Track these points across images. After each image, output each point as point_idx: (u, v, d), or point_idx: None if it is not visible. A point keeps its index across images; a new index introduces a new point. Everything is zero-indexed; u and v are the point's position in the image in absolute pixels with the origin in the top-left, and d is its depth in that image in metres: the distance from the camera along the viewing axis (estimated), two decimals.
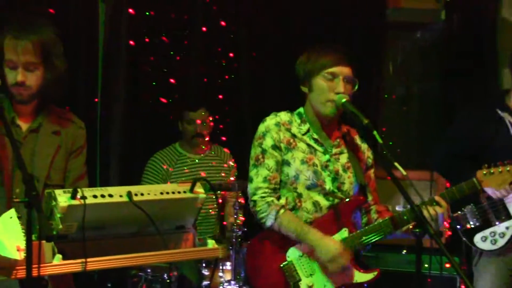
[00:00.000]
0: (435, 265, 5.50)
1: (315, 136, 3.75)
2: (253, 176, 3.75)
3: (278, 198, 3.73)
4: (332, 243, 3.55)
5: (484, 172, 3.56)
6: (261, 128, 3.77)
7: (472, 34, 6.85)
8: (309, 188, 3.70)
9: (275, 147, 3.72)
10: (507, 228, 4.48)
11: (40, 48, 3.37)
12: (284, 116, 3.79)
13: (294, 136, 3.75)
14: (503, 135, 4.48)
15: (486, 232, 4.53)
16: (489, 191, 4.39)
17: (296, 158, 3.71)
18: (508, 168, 3.56)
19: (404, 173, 3.41)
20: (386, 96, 7.10)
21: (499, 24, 6.89)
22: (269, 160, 3.72)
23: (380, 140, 3.44)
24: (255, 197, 3.73)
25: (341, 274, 3.60)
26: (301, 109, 3.83)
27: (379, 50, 6.90)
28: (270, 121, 3.76)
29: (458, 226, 4.63)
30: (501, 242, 4.49)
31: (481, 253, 4.57)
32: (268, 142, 3.72)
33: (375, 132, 3.50)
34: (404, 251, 5.74)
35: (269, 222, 3.67)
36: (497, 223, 4.50)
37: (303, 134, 3.75)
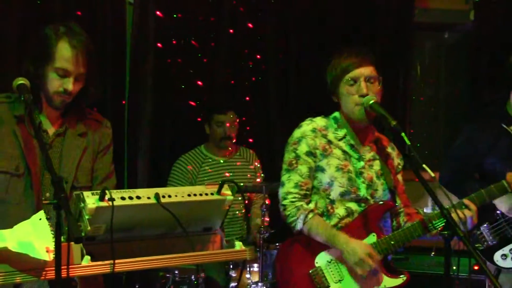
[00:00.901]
0: (464, 267, 5.48)
1: (352, 142, 3.74)
2: (285, 181, 3.74)
3: (308, 203, 3.71)
4: (359, 245, 3.53)
5: None
6: (297, 133, 3.76)
7: (501, 35, 6.82)
8: (342, 195, 3.68)
9: (310, 153, 3.71)
10: None
11: (87, 59, 3.41)
12: (320, 121, 3.78)
13: (330, 142, 3.73)
14: (504, 147, 4.44)
15: (506, 249, 4.50)
16: (502, 208, 4.39)
17: (331, 165, 3.69)
18: None
19: (433, 175, 3.39)
20: (414, 98, 7.08)
21: None
22: (302, 166, 3.70)
23: (408, 142, 3.42)
24: (285, 202, 3.72)
25: (370, 280, 3.57)
26: (336, 113, 3.81)
27: (406, 52, 6.85)
28: (306, 127, 3.75)
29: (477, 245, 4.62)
30: None
31: (500, 270, 4.55)
32: (302, 148, 3.71)
33: (403, 134, 3.48)
34: (433, 253, 5.72)
35: (298, 226, 3.66)
36: None
37: (340, 140, 3.74)
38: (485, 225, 4.50)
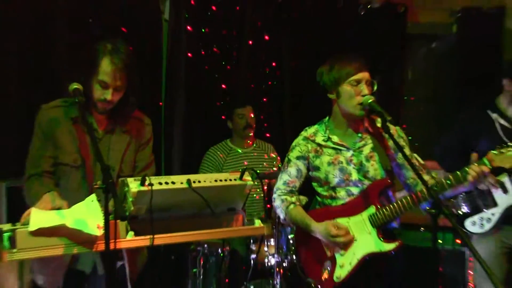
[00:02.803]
0: (448, 241, 5.50)
1: (335, 139, 3.77)
2: (278, 179, 3.91)
3: (293, 197, 3.85)
4: (324, 228, 3.61)
5: (496, 152, 3.47)
6: (293, 143, 3.91)
7: (479, 44, 6.82)
8: (339, 183, 3.73)
9: (301, 157, 3.83)
10: (493, 214, 4.47)
11: (127, 73, 3.44)
12: (310, 130, 3.89)
13: (319, 145, 3.80)
14: (491, 134, 4.45)
15: (475, 217, 4.52)
16: None
17: (323, 162, 3.76)
18: None
19: (422, 162, 3.41)
20: (406, 97, 7.07)
21: (504, 36, 6.86)
22: (291, 168, 3.85)
23: (402, 135, 3.43)
24: (274, 195, 3.90)
25: (364, 244, 3.60)
26: (326, 119, 3.87)
27: (400, 58, 6.86)
28: (300, 137, 3.90)
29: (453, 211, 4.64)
30: (488, 226, 4.49)
31: (472, 235, 4.57)
32: (294, 154, 3.86)
33: (397, 127, 3.50)
34: (422, 229, 5.72)
35: (281, 215, 3.86)
36: (484, 209, 4.49)
37: (326, 141, 3.78)
38: (460, 195, 4.53)
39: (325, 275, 3.66)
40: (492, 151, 3.50)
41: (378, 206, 3.63)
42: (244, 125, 5.76)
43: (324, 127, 3.83)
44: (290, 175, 3.84)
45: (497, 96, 4.62)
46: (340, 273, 3.61)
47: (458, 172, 3.50)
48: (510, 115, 4.53)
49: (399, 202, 3.60)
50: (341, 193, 3.73)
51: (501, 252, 4.53)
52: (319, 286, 3.73)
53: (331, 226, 3.59)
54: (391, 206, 3.60)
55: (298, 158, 3.83)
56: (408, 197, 3.58)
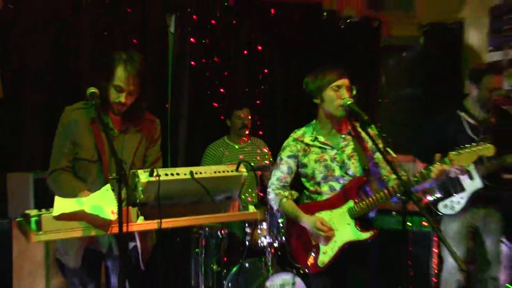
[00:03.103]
0: (416, 224, 5.51)
1: (321, 139, 3.77)
2: (271, 176, 3.90)
3: (285, 192, 3.85)
4: (310, 221, 3.66)
5: (455, 153, 3.50)
6: (284, 143, 3.90)
7: (443, 54, 6.89)
8: (323, 178, 3.74)
9: (291, 156, 3.82)
10: (461, 198, 4.53)
11: (139, 79, 3.44)
12: (299, 131, 3.89)
13: (307, 145, 3.80)
14: (460, 131, 4.48)
15: (447, 201, 4.57)
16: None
17: (311, 160, 3.77)
18: (474, 149, 3.50)
19: (394, 155, 3.43)
20: (380, 100, 7.07)
21: (463, 46, 6.93)
22: (283, 165, 3.84)
23: (376, 131, 3.45)
24: (269, 189, 3.90)
25: (344, 234, 3.63)
26: (313, 122, 3.88)
27: (375, 66, 6.87)
28: (289, 138, 3.89)
29: (428, 197, 4.67)
30: (457, 208, 4.56)
31: (443, 217, 4.63)
32: (285, 153, 3.86)
33: (373, 126, 3.51)
34: (394, 213, 5.73)
35: (275, 207, 3.86)
36: (454, 194, 4.53)
37: (313, 141, 3.79)
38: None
39: (311, 260, 3.69)
40: (452, 152, 3.52)
41: (356, 200, 3.65)
42: (241, 125, 5.75)
43: (311, 129, 3.84)
44: (282, 172, 3.84)
45: (465, 98, 4.66)
46: (324, 258, 3.64)
47: (423, 170, 3.53)
48: (475, 114, 4.57)
49: (373, 196, 3.63)
50: (325, 188, 3.74)
51: (467, 231, 4.63)
52: (306, 270, 3.77)
53: (318, 220, 3.62)
54: (367, 200, 3.62)
55: (289, 157, 3.83)
56: (382, 192, 3.60)
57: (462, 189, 4.52)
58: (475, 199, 4.52)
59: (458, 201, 4.55)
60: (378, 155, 3.72)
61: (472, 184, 4.50)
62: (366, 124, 3.57)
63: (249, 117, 5.79)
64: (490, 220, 4.64)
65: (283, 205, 3.80)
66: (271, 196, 3.87)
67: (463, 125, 4.52)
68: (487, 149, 3.52)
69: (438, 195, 4.61)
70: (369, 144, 3.74)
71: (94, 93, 3.32)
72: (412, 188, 3.52)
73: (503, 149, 4.42)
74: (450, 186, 4.56)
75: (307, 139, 3.81)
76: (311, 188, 3.81)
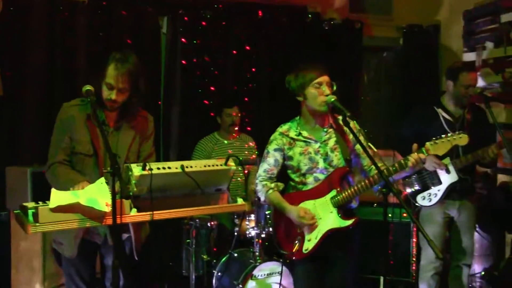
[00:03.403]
0: (396, 215, 5.53)
1: (305, 134, 3.75)
2: (259, 168, 3.88)
3: (272, 183, 3.83)
4: (295, 211, 3.64)
5: (431, 143, 3.50)
6: (271, 137, 3.87)
7: (420, 54, 6.92)
8: (308, 170, 3.72)
9: (278, 149, 3.80)
10: (438, 190, 4.55)
11: (131, 77, 3.41)
12: (284, 126, 3.86)
13: (292, 139, 3.78)
14: (437, 126, 4.50)
15: (425, 193, 4.59)
16: (426, 164, 4.42)
17: (296, 153, 3.75)
18: (448, 139, 3.49)
19: (375, 150, 3.42)
20: (362, 98, 7.08)
21: (440, 47, 6.97)
22: (270, 158, 3.82)
23: (358, 127, 3.43)
24: (256, 181, 3.87)
25: (327, 222, 3.61)
26: (297, 118, 3.86)
27: (358, 66, 6.86)
28: (276, 132, 3.85)
29: (408, 190, 4.69)
30: (434, 200, 4.59)
31: (421, 208, 4.63)
32: (272, 147, 3.82)
33: (354, 121, 3.49)
34: (375, 204, 5.74)
35: (262, 198, 3.85)
36: (432, 187, 4.56)
37: (297, 136, 3.77)
38: (414, 175, 4.59)
39: (296, 247, 3.68)
40: (428, 142, 3.52)
41: (339, 190, 3.64)
42: (230, 123, 5.72)
43: (296, 124, 3.82)
44: (269, 164, 3.82)
45: (442, 95, 4.69)
46: (308, 245, 3.63)
47: (401, 160, 3.52)
48: (451, 110, 4.60)
49: (355, 186, 3.61)
50: (310, 179, 3.73)
51: (444, 221, 4.66)
52: (293, 257, 3.75)
53: (301, 210, 3.62)
54: (349, 189, 3.61)
55: (275, 150, 3.81)
56: (363, 182, 3.59)
57: (439, 182, 4.55)
58: (451, 192, 4.55)
59: (435, 193, 4.57)
60: (359, 146, 3.69)
61: (449, 177, 4.52)
62: (349, 120, 3.55)
63: (239, 115, 5.77)
64: (464, 212, 4.67)
65: (269, 196, 3.79)
66: (258, 187, 3.85)
67: (440, 121, 4.55)
68: (461, 139, 3.53)
69: (417, 187, 4.63)
70: (350, 136, 3.72)
71: (90, 91, 3.31)
72: (391, 177, 3.52)
73: (478, 144, 4.46)
74: (429, 179, 4.58)
75: (292, 134, 3.79)
76: (297, 179, 3.78)
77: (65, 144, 3.46)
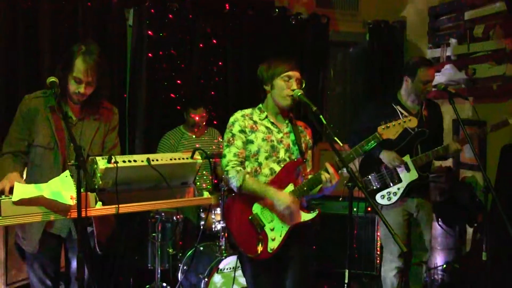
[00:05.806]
0: (361, 209, 5.58)
1: (272, 120, 3.72)
2: (226, 153, 3.66)
3: (244, 168, 3.65)
4: (284, 196, 3.52)
5: (383, 127, 3.54)
6: (231, 119, 3.72)
7: (386, 50, 7.02)
8: (267, 158, 3.64)
9: (242, 131, 3.66)
10: (398, 189, 4.57)
11: (97, 70, 3.40)
12: (247, 110, 3.76)
13: (255, 122, 3.70)
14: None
15: (384, 192, 4.60)
16: (385, 161, 4.47)
17: (258, 137, 3.65)
18: (399, 122, 3.55)
19: (341, 144, 3.44)
20: (328, 92, 7.13)
21: (405, 43, 7.09)
22: (237, 141, 3.65)
23: (324, 122, 3.44)
24: (227, 168, 3.63)
25: (292, 217, 3.56)
26: (260, 105, 3.80)
27: (324, 61, 6.89)
28: (237, 114, 3.72)
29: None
30: (394, 199, 4.58)
31: (381, 207, 4.64)
32: (236, 128, 3.66)
33: (321, 116, 3.49)
34: (340, 199, 5.79)
35: (238, 184, 3.57)
36: (391, 185, 4.57)
37: (262, 120, 3.71)
38: (372, 174, 4.60)
39: (260, 248, 3.58)
40: (380, 127, 3.56)
41: (296, 184, 3.61)
42: (192, 123, 5.68)
43: (258, 111, 3.77)
44: (238, 147, 3.64)
45: (398, 90, 4.72)
46: (273, 245, 3.56)
47: (357, 147, 3.58)
48: (408, 106, 4.64)
49: (311, 178, 3.58)
50: (265, 170, 3.64)
51: (403, 219, 4.65)
52: (258, 259, 3.60)
53: (291, 197, 3.52)
54: (306, 182, 3.58)
55: (240, 131, 3.66)
56: (317, 175, 3.55)
57: (399, 180, 4.56)
58: (410, 190, 4.57)
59: (394, 192, 4.57)
60: (310, 152, 3.77)
61: (409, 175, 4.54)
62: (315, 115, 3.56)
63: (204, 115, 5.70)
64: (423, 210, 4.71)
65: (246, 182, 3.58)
66: (231, 174, 3.59)
67: (397, 115, 4.51)
68: (410, 122, 3.60)
69: (376, 186, 4.62)
70: (306, 138, 3.79)
71: (54, 82, 3.29)
72: (349, 161, 3.54)
73: (435, 140, 4.59)
74: (388, 178, 4.59)
75: (256, 117, 3.72)
76: (250, 165, 3.67)
77: (22, 136, 3.44)
